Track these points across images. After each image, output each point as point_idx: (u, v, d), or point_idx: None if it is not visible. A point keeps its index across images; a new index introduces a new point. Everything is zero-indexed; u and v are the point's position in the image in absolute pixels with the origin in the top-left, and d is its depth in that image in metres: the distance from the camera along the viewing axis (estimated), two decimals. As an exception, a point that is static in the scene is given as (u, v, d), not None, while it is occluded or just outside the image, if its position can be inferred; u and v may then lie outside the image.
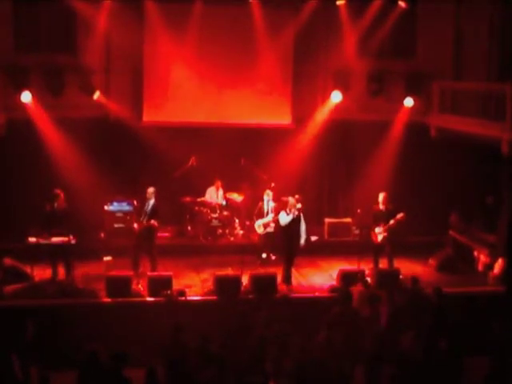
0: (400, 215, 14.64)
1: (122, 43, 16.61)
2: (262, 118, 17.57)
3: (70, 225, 14.12)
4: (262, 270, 14.86)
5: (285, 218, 14.22)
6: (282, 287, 14.01)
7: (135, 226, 14.41)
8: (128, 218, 16.17)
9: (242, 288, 13.77)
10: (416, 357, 10.28)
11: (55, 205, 14.11)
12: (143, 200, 14.68)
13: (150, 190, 14.53)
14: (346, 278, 13.98)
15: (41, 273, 14.17)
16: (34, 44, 16.74)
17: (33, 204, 15.15)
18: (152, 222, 14.37)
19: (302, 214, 14.30)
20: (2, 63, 16.36)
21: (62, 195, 14.22)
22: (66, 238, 13.91)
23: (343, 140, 17.63)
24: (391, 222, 14.64)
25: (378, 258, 14.96)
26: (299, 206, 14.49)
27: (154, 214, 14.45)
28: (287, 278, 14.26)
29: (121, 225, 16.24)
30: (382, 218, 14.78)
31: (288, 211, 14.26)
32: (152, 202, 14.47)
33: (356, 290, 12.71)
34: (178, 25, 16.60)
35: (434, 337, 11.09)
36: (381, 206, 14.90)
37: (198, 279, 14.73)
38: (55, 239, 13.90)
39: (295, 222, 14.24)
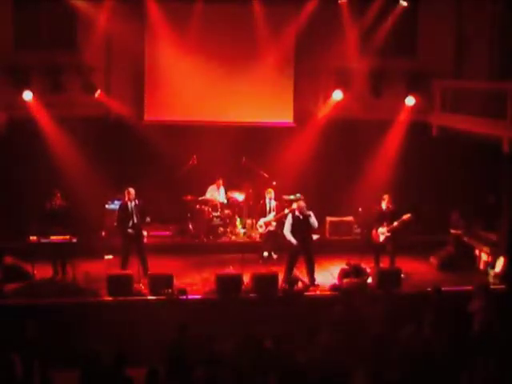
0: (407, 216, 14.65)
1: (123, 41, 16.61)
2: (264, 117, 17.57)
3: (71, 223, 14.13)
4: (263, 269, 14.88)
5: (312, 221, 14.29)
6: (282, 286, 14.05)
7: (130, 231, 14.35)
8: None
9: (243, 287, 13.77)
10: (415, 357, 10.26)
11: (54, 203, 14.13)
12: (144, 199, 14.67)
13: (132, 190, 14.40)
14: (348, 277, 14.07)
15: (41, 271, 14.13)
16: (34, 43, 16.73)
17: (34, 202, 15.14)
18: (148, 220, 14.52)
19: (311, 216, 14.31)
20: (2, 62, 16.38)
21: (58, 193, 14.24)
22: (66, 237, 13.93)
23: (344, 139, 17.60)
24: (396, 222, 14.65)
25: (379, 256, 14.99)
26: (294, 206, 14.63)
27: (143, 212, 14.47)
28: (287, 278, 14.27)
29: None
30: (384, 218, 14.79)
31: (298, 213, 14.27)
32: (134, 202, 14.41)
33: (348, 283, 12.83)
34: (179, 23, 16.60)
35: (433, 336, 11.09)
36: (383, 207, 14.90)
37: (199, 278, 14.71)
38: (56, 238, 13.91)
39: (303, 222, 14.25)
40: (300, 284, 14.01)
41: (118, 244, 14.77)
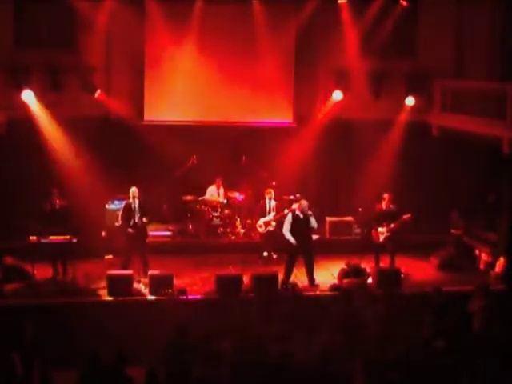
0: (406, 216, 14.65)
1: (123, 41, 16.67)
2: (264, 117, 17.56)
3: (71, 222, 14.12)
4: (263, 269, 14.87)
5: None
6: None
7: (130, 230, 14.34)
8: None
9: (243, 287, 13.76)
10: (415, 357, 10.26)
11: (54, 203, 14.13)
12: (144, 199, 14.66)
13: (135, 190, 14.38)
14: (348, 277, 14.07)
15: (41, 271, 14.12)
16: (34, 42, 16.75)
17: (34, 202, 15.14)
18: (145, 220, 14.43)
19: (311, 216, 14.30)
20: (2, 61, 16.39)
21: (55, 192, 14.24)
22: (66, 237, 13.93)
23: (344, 139, 17.62)
24: (396, 222, 14.64)
25: (379, 256, 14.99)
26: (294, 206, 14.61)
27: (144, 212, 14.45)
28: (287, 278, 14.26)
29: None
30: (385, 217, 14.79)
31: (299, 212, 14.27)
32: (137, 201, 14.39)
33: (348, 283, 12.81)
34: (179, 23, 16.60)
35: (433, 336, 11.09)
36: (384, 206, 14.90)
37: (199, 278, 14.71)
38: (56, 238, 13.91)
39: (303, 222, 14.24)
40: (298, 287, 14.02)
41: (120, 244, 14.78)
